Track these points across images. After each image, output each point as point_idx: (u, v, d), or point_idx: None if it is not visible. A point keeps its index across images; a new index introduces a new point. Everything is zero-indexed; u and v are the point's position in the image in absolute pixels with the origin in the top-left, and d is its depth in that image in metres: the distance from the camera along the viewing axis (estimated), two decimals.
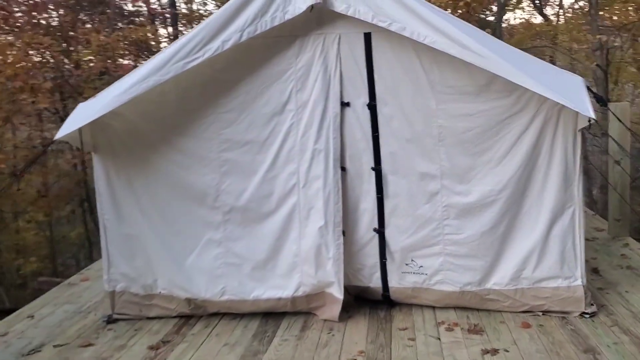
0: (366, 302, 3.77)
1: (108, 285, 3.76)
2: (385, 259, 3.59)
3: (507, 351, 3.03)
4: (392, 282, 3.65)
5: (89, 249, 10.23)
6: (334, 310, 3.53)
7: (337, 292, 3.51)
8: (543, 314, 3.45)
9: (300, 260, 3.56)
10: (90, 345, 3.42)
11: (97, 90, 6.71)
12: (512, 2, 11.62)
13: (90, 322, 3.82)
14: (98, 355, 3.28)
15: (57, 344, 3.46)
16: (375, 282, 3.68)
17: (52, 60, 7.08)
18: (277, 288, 3.61)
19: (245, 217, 3.59)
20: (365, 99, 3.44)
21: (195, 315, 3.76)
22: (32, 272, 10.30)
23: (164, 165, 3.59)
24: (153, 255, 3.69)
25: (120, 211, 3.66)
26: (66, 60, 8.03)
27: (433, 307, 3.66)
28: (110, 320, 3.76)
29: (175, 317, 3.77)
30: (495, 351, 3.02)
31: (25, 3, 7.69)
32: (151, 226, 3.65)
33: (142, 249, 3.69)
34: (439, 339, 3.26)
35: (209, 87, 3.47)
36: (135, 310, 3.77)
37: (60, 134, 3.28)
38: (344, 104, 3.46)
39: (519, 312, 3.49)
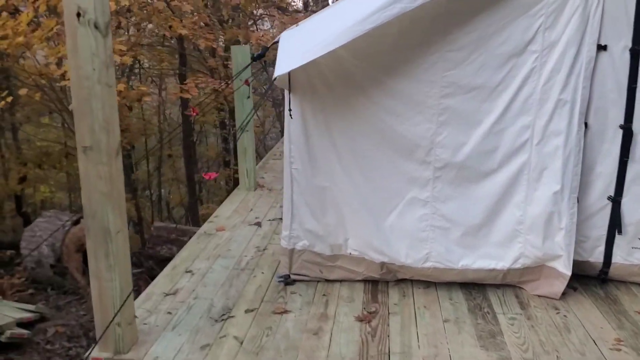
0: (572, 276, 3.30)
1: (288, 242, 3.31)
2: (620, 232, 3.11)
3: None
4: (617, 258, 3.19)
5: None
6: (555, 287, 3.09)
7: (564, 267, 3.06)
8: None
9: (524, 229, 3.09)
10: (285, 312, 3.00)
11: None
12: None
13: (263, 281, 3.40)
14: (303, 326, 2.86)
15: (247, 309, 3.03)
16: (597, 257, 3.22)
17: None
18: (491, 258, 3.16)
19: (460, 175, 3.09)
20: (628, 42, 2.88)
21: (383, 280, 3.33)
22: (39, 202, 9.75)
23: (371, 110, 3.06)
24: (347, 211, 3.22)
25: (313, 160, 3.17)
26: None
27: None
28: (288, 282, 3.33)
29: (358, 281, 3.34)
30: None
31: None
32: (348, 178, 3.16)
33: (334, 204, 3.22)
34: None
35: (440, 19, 2.89)
36: (315, 271, 3.35)
37: (281, 70, 2.73)
38: (600, 47, 2.89)
39: None
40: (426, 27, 2.92)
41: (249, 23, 10.30)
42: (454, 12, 2.88)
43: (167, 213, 12.11)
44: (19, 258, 4.93)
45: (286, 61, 2.76)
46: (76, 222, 4.29)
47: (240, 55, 4.93)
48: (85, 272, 4.29)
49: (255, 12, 9.95)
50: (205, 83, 5.91)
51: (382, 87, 3.03)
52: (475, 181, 3.10)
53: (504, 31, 2.90)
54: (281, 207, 4.90)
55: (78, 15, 2.27)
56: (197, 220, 9.19)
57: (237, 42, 7.25)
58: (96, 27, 2.29)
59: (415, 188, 3.15)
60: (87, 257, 2.50)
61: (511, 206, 3.09)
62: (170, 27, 5.33)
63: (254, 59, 3.12)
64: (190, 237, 4.94)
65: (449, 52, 2.95)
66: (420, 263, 3.19)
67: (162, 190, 12.22)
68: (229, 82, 4.11)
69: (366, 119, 3.08)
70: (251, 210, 4.77)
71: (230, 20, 8.03)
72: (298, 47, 2.85)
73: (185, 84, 5.74)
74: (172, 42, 8.46)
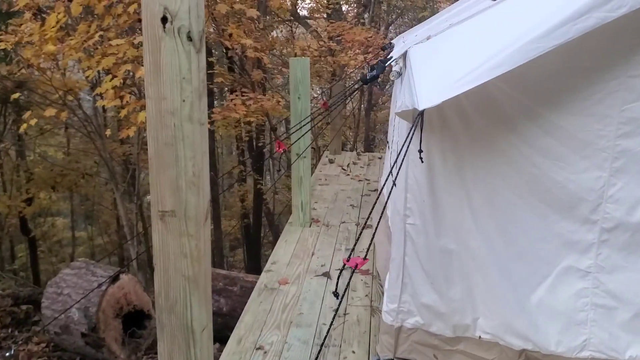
0: None
1: (395, 319, 2.56)
2: None
3: None
4: None
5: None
6: None
7: None
8: None
9: None
10: None
11: None
12: None
13: None
14: None
15: None
16: None
17: None
18: None
19: (635, 239, 2.34)
20: None
21: None
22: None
23: (521, 151, 2.32)
24: (479, 283, 2.47)
25: (438, 214, 2.42)
26: None
27: None
28: None
29: None
30: None
31: None
32: (484, 240, 2.41)
33: (463, 273, 2.47)
34: None
35: (621, 35, 2.14)
36: (429, 356, 2.61)
37: (429, 101, 1.97)
38: None
39: None
40: (605, 44, 2.17)
41: (277, 31, 9.60)
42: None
43: None
44: (38, 315, 4.12)
45: (432, 88, 2.00)
46: (114, 280, 3.48)
47: (300, 69, 4.18)
48: (125, 342, 3.51)
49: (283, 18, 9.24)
50: (254, 100, 5.14)
51: (539, 123, 2.28)
52: None
53: None
54: (347, 249, 4.17)
55: (164, 20, 1.52)
56: (220, 235, 8.46)
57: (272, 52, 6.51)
58: (189, 38, 1.54)
59: (572, 254, 2.40)
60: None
61: None
62: (230, 35, 4.56)
63: (365, 81, 2.37)
64: (241, 287, 4.19)
65: (632, 79, 2.20)
66: (574, 352, 2.44)
67: None
68: (349, 98, 3.34)
69: (513, 162, 2.33)
70: (313, 254, 4.00)
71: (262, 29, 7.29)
72: (444, 68, 2.10)
73: (231, 99, 4.99)
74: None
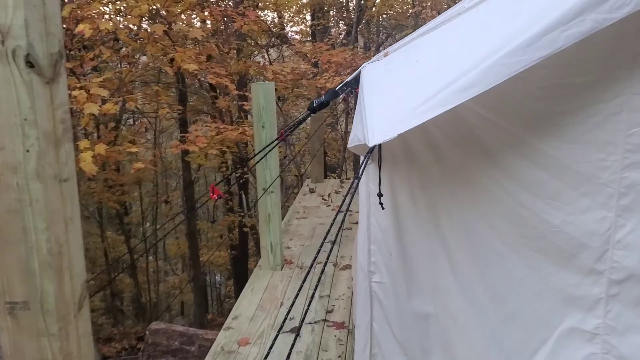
0: None
1: None
2: None
3: None
4: None
5: None
6: None
7: None
8: None
9: None
10: None
11: None
12: None
13: None
14: None
15: None
16: None
17: None
18: None
19: None
20: None
21: None
22: None
23: (506, 189, 1.91)
24: (463, 353, 2.01)
25: (411, 270, 1.98)
26: None
27: None
28: None
29: None
30: None
31: None
32: (466, 300, 1.96)
33: (443, 341, 2.01)
34: None
35: (624, 42, 1.73)
36: None
37: (384, 135, 1.55)
38: None
39: None
40: (603, 54, 1.75)
41: (255, 54, 9.25)
42: None
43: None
44: None
45: (387, 117, 1.57)
46: None
47: (263, 95, 3.76)
48: None
49: (260, 42, 8.88)
50: (217, 130, 4.71)
51: (526, 153, 1.86)
52: None
53: None
54: (322, 296, 3.71)
55: None
56: (198, 272, 8.01)
57: (247, 77, 6.11)
58: (30, 64, 1.11)
59: (576, 313, 1.96)
60: None
61: None
62: (172, 60, 4.16)
63: (313, 110, 1.96)
64: (199, 347, 3.71)
65: (638, 96, 1.78)
66: None
67: (158, 233, 10.96)
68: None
69: (498, 203, 1.90)
70: (282, 304, 3.53)
71: (237, 51, 6.90)
72: (404, 91, 1.67)
73: (189, 132, 4.57)
74: (166, 77, 7.39)
